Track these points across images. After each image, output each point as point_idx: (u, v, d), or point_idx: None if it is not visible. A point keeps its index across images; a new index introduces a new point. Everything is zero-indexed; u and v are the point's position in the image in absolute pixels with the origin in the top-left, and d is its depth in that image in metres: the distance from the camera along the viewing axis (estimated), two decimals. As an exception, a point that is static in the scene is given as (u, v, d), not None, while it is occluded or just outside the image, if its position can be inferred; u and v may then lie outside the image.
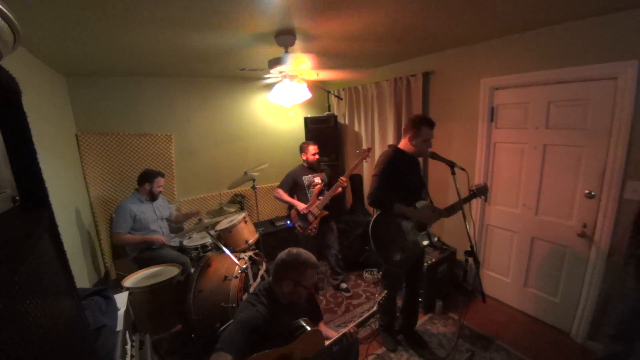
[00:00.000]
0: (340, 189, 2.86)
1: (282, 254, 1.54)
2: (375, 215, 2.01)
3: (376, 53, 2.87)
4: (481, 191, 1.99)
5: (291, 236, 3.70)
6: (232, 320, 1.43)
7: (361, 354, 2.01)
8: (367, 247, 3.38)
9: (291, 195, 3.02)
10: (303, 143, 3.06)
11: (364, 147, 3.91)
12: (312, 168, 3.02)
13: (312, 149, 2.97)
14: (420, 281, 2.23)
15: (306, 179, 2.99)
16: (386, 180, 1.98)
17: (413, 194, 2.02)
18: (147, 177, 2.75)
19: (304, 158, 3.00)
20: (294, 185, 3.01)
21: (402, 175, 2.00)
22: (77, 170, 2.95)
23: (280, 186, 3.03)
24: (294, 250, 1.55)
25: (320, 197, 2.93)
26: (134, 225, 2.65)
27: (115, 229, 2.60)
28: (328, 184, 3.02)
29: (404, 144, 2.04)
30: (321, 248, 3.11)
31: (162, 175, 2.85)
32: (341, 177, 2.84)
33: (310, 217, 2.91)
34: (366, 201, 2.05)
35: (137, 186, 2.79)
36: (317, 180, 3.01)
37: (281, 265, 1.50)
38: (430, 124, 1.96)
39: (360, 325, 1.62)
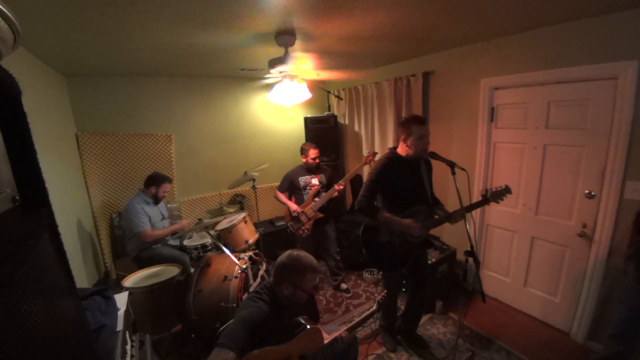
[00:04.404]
0: (336, 193, 2.85)
1: (283, 257, 1.52)
2: (365, 222, 2.03)
3: (376, 53, 2.87)
4: (497, 195, 1.88)
5: (292, 236, 3.69)
6: (233, 318, 1.43)
7: (361, 354, 2.02)
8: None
9: (290, 196, 3.04)
10: (304, 145, 3.01)
11: (365, 148, 3.90)
12: (310, 170, 3.01)
13: (313, 152, 2.93)
14: (424, 289, 2.17)
15: (302, 180, 2.98)
16: (375, 189, 1.99)
17: (409, 200, 1.99)
18: (155, 180, 2.76)
19: (304, 160, 2.99)
20: (290, 186, 3.03)
21: (396, 181, 1.98)
22: (77, 170, 2.95)
23: (278, 188, 3.07)
24: (295, 253, 1.52)
25: (317, 199, 2.92)
26: None
27: (141, 228, 2.60)
28: (327, 185, 3.00)
29: (401, 147, 2.02)
30: (318, 250, 3.10)
31: (170, 181, 2.87)
32: (338, 183, 2.84)
33: (303, 218, 2.89)
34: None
35: (142, 186, 2.80)
36: (315, 181, 2.99)
37: (281, 269, 1.48)
38: (420, 121, 1.92)
39: (353, 328, 1.61)
